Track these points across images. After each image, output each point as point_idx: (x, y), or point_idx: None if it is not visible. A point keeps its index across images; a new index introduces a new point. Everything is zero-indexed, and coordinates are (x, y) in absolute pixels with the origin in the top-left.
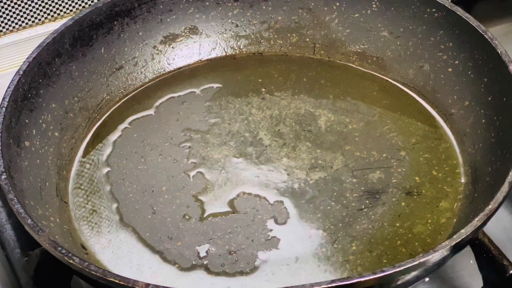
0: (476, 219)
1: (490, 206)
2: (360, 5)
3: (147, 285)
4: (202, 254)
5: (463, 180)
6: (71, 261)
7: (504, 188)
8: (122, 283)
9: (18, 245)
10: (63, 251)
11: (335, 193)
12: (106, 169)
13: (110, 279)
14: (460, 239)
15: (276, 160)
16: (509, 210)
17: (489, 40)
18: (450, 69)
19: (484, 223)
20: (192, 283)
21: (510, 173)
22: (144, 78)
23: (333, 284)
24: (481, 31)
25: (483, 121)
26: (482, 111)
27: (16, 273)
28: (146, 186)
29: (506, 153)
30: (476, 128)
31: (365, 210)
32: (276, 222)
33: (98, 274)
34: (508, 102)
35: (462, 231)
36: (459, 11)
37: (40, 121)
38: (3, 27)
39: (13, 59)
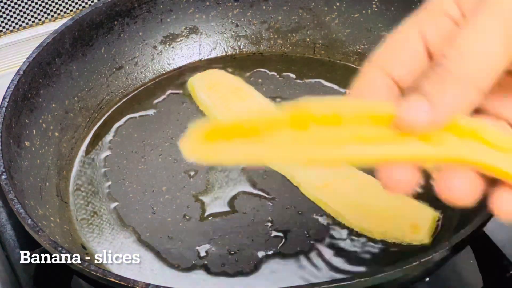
0: (477, 219)
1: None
2: (361, 5)
3: (147, 285)
4: (202, 254)
5: None
6: (71, 261)
7: None
8: (122, 283)
9: (18, 245)
10: (63, 251)
11: None
12: (106, 169)
13: (110, 279)
14: (460, 239)
15: None
16: None
17: None
18: None
19: (484, 223)
20: (192, 283)
21: None
22: (144, 78)
23: (333, 285)
24: None
25: None
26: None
27: (16, 273)
28: (146, 186)
29: None
30: None
31: None
32: (276, 222)
33: (98, 274)
34: None
35: (462, 231)
36: None
37: (40, 121)
38: (3, 27)
39: (13, 59)
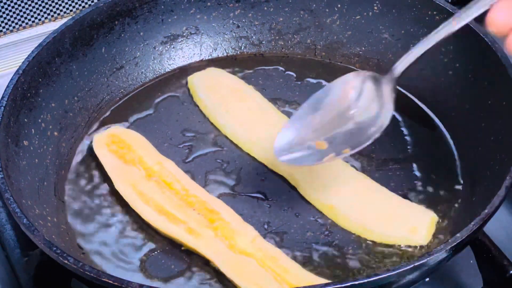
0: (472, 223)
1: (486, 211)
2: (362, 7)
3: (141, 285)
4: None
5: (461, 183)
6: (66, 261)
7: (501, 193)
8: (116, 283)
9: (18, 245)
10: (58, 251)
11: None
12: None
13: (104, 279)
14: (455, 243)
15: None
16: (509, 210)
17: (489, 43)
18: (450, 72)
19: (480, 227)
20: (190, 285)
21: (507, 178)
22: (145, 78)
23: (330, 287)
24: (481, 34)
25: (483, 124)
26: (481, 114)
27: (16, 273)
28: None
29: (504, 157)
30: (475, 131)
31: None
32: (273, 223)
33: (92, 274)
34: (508, 106)
35: (458, 235)
36: None
37: (40, 120)
38: (3, 27)
39: (13, 59)
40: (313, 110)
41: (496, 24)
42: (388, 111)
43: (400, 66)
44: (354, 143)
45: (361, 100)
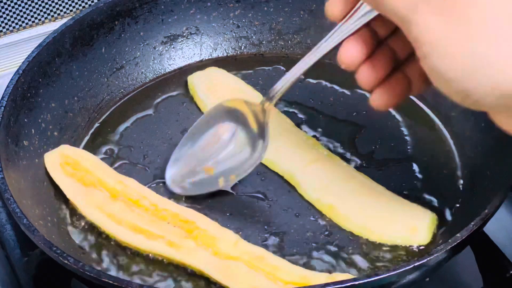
0: (472, 223)
1: (486, 211)
2: None
3: (141, 286)
4: None
5: (461, 183)
6: (66, 261)
7: (501, 193)
8: (116, 283)
9: (18, 245)
10: (58, 251)
11: None
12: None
13: (104, 279)
14: (455, 243)
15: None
16: (509, 210)
17: None
18: None
19: (480, 227)
20: (190, 284)
21: (507, 178)
22: (145, 78)
23: (329, 287)
24: None
25: (483, 124)
26: (481, 114)
27: (16, 273)
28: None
29: (504, 157)
30: (475, 131)
31: None
32: (273, 224)
33: (92, 274)
34: None
35: (458, 235)
36: None
37: (40, 120)
38: (3, 27)
39: (13, 59)
40: (194, 141)
41: (345, 60)
42: (265, 141)
43: (276, 89)
44: (239, 171)
45: (237, 135)
